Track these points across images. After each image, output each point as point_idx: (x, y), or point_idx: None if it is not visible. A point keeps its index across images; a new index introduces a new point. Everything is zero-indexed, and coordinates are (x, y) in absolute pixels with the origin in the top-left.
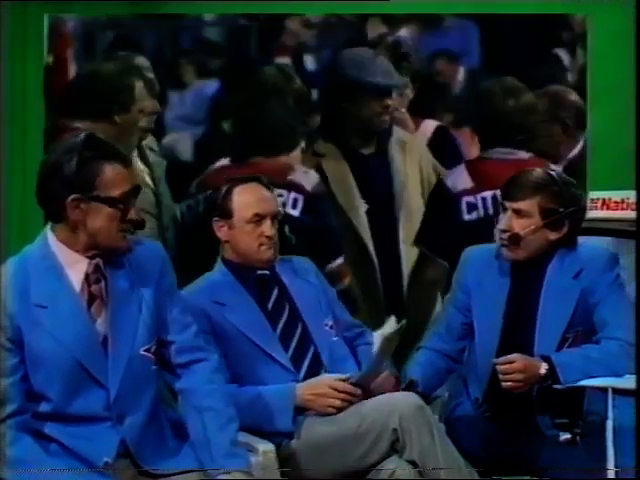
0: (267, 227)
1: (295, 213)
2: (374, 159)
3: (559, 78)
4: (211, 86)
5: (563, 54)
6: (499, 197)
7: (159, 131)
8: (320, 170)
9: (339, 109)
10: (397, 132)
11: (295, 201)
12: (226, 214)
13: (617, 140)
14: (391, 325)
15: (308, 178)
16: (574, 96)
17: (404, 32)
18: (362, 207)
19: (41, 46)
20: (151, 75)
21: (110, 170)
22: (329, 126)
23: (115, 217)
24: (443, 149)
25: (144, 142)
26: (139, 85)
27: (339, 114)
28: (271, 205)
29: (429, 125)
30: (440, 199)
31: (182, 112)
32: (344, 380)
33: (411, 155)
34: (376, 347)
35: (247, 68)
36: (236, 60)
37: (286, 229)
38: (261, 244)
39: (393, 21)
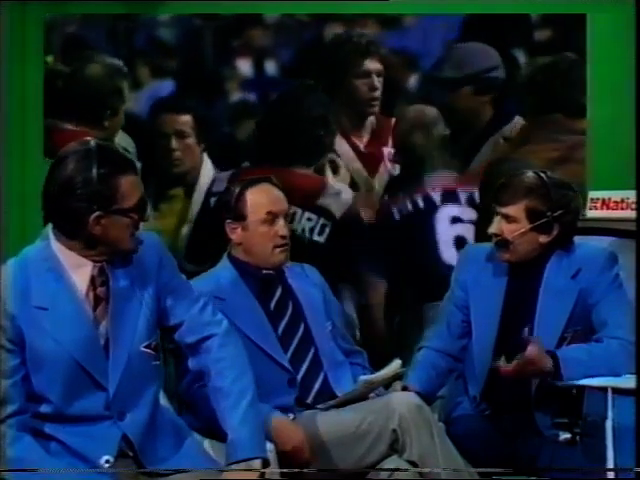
0: (280, 226)
1: (321, 240)
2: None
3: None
4: (166, 86)
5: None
6: None
7: None
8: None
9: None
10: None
11: (323, 227)
12: (239, 216)
13: (617, 140)
14: (394, 367)
15: (339, 202)
16: None
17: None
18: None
19: (41, 46)
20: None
21: (126, 182)
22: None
23: (131, 224)
24: None
25: (119, 143)
26: (126, 86)
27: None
28: (283, 204)
29: None
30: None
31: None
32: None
33: None
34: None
35: (203, 69)
36: (192, 60)
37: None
38: (275, 246)
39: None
